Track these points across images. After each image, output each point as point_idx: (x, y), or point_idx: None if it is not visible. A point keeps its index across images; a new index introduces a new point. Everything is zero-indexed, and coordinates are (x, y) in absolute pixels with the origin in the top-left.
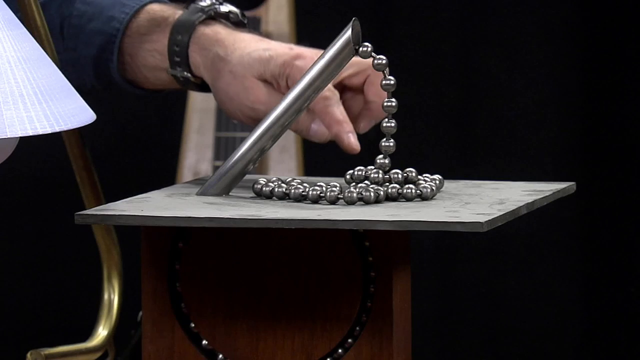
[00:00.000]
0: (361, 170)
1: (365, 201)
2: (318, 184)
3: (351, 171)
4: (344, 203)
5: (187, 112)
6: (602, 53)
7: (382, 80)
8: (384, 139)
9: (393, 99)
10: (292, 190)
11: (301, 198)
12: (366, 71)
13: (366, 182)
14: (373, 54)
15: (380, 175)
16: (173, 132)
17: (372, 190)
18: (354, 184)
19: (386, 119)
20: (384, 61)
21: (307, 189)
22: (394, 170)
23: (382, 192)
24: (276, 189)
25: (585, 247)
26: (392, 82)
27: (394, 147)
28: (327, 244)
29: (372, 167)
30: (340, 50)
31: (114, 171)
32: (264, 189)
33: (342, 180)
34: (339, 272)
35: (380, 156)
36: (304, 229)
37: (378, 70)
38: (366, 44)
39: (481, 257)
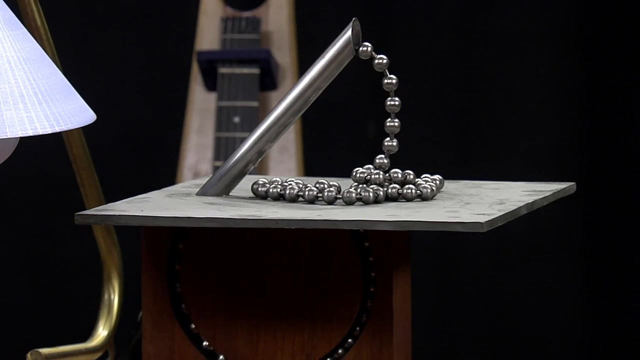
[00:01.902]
0: (364, 171)
1: (364, 201)
2: (316, 184)
3: (358, 168)
4: (343, 203)
5: (187, 112)
6: (603, 53)
7: (383, 80)
8: (387, 139)
9: (396, 98)
10: (288, 191)
11: (297, 198)
12: None
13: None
14: (374, 53)
15: (381, 176)
16: (173, 132)
17: (371, 190)
18: (355, 184)
19: (389, 119)
20: (384, 60)
21: (303, 190)
22: (393, 170)
23: (381, 193)
24: (271, 189)
25: (585, 247)
26: (394, 81)
27: (397, 147)
28: (327, 244)
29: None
30: (340, 50)
31: (114, 171)
32: (260, 189)
33: (342, 180)
34: (339, 272)
35: (381, 156)
36: (304, 229)
37: (379, 70)
38: (366, 43)
39: (481, 257)
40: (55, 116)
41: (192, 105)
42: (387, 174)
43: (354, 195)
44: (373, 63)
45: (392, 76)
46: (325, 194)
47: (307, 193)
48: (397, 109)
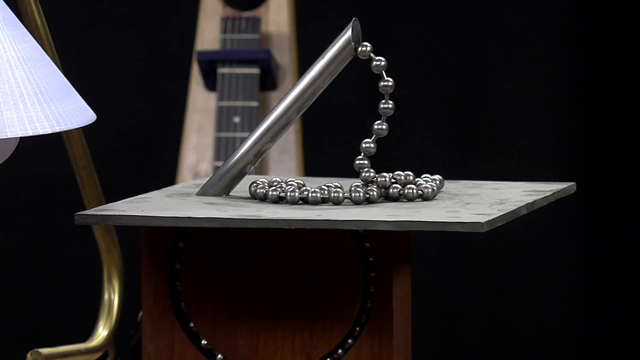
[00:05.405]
0: (371, 171)
1: (355, 201)
2: (304, 185)
3: (366, 167)
4: (332, 204)
5: (187, 112)
6: (602, 53)
7: (380, 82)
8: (367, 140)
9: (390, 102)
10: (271, 192)
11: (279, 200)
12: None
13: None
14: (372, 54)
15: (387, 179)
16: (173, 132)
17: (361, 191)
18: (357, 184)
19: (379, 121)
20: (382, 62)
21: (286, 191)
22: (396, 173)
23: (375, 192)
24: (258, 190)
25: (585, 247)
26: (390, 83)
27: (375, 149)
28: (327, 244)
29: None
30: (340, 50)
31: (114, 171)
32: (251, 189)
33: (344, 180)
34: (339, 272)
35: (368, 139)
36: (304, 229)
37: (376, 72)
38: (365, 43)
39: (481, 257)
40: (55, 116)
41: (192, 105)
42: (391, 175)
43: (341, 195)
44: (371, 65)
45: (388, 79)
46: (310, 195)
47: (289, 195)
48: (390, 113)
